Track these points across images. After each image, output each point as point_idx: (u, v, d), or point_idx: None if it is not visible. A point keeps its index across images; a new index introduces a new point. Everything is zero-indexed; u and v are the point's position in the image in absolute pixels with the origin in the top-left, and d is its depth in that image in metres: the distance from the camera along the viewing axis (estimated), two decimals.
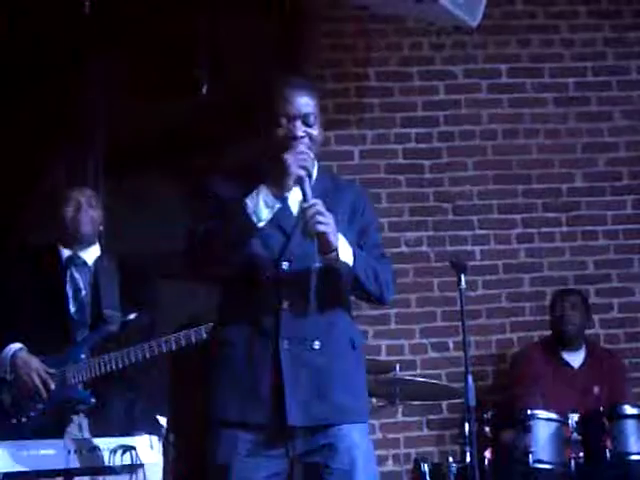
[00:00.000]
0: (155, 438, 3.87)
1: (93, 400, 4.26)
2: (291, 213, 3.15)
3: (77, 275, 4.46)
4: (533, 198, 6.01)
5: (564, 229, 6.01)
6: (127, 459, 3.70)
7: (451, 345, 5.77)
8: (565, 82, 6.13)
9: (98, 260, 4.50)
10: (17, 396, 4.25)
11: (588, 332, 5.71)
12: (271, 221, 3.05)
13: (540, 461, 4.59)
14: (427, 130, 6.00)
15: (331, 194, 3.19)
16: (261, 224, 3.01)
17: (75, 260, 4.47)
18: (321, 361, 3.08)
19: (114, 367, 4.25)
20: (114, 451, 3.69)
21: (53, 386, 4.24)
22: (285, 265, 3.10)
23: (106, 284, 4.42)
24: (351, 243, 3.14)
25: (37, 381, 4.23)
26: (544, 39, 6.14)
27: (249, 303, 3.11)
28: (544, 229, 6.00)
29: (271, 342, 3.07)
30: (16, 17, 5.64)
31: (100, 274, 4.46)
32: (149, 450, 3.77)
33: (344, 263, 3.08)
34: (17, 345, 4.28)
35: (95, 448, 3.69)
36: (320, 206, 3.02)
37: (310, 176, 3.06)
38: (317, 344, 3.09)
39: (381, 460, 5.60)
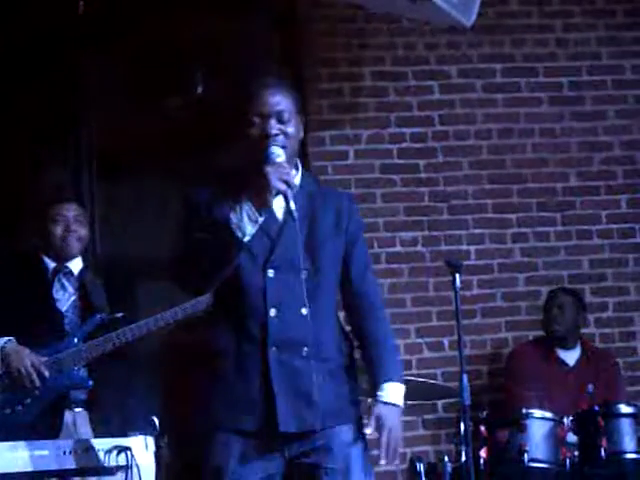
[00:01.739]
0: (150, 439, 3.86)
1: (91, 382, 4.29)
2: (276, 219, 3.14)
3: (66, 282, 4.52)
4: (528, 197, 6.02)
5: (559, 228, 6.02)
6: (122, 460, 3.70)
7: (446, 345, 5.77)
8: (559, 81, 6.14)
9: (83, 270, 4.57)
10: (10, 386, 4.25)
11: (583, 331, 5.72)
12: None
13: (535, 460, 4.60)
14: (422, 130, 6.00)
15: (317, 199, 3.21)
16: (246, 239, 2.98)
17: (62, 269, 4.53)
18: (309, 367, 3.09)
19: (109, 348, 4.27)
20: (109, 452, 3.69)
21: (47, 373, 4.25)
22: (271, 273, 3.11)
23: (94, 290, 4.48)
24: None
25: (30, 368, 4.23)
26: (538, 39, 6.15)
27: (237, 311, 3.12)
28: (539, 228, 6.00)
29: (260, 350, 3.09)
30: (9, 18, 5.63)
31: (87, 282, 4.53)
32: (144, 451, 3.77)
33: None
34: (5, 338, 4.30)
35: (90, 449, 3.69)
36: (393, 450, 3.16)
37: (292, 188, 3.02)
38: (305, 350, 3.10)
39: (377, 459, 5.59)
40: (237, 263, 3.05)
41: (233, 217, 2.96)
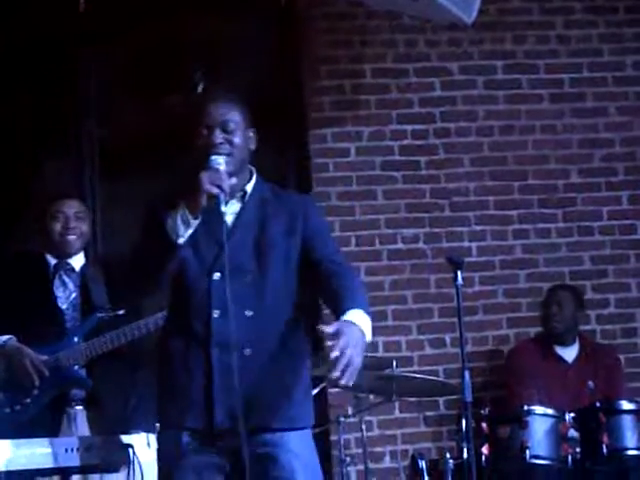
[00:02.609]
0: (152, 436, 3.86)
1: (90, 382, 4.28)
2: (225, 224, 3.19)
3: (66, 279, 4.50)
4: (529, 194, 6.02)
5: (560, 225, 6.02)
6: (124, 457, 3.70)
7: (448, 341, 5.78)
8: (561, 78, 6.14)
9: (84, 266, 4.55)
10: (10, 385, 4.25)
11: (585, 328, 5.73)
12: (205, 232, 3.17)
13: (537, 457, 4.59)
14: (423, 127, 6.00)
15: (271, 204, 3.29)
16: (180, 240, 3.12)
17: (64, 266, 4.52)
18: (253, 368, 3.14)
19: (109, 347, 4.28)
20: (111, 449, 3.69)
21: (47, 372, 4.25)
22: (216, 276, 3.19)
23: (95, 287, 4.47)
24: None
25: (30, 368, 4.23)
26: (540, 35, 6.15)
27: (185, 312, 3.23)
28: (540, 225, 6.01)
29: (204, 350, 3.18)
30: (10, 15, 5.63)
31: (88, 278, 4.51)
32: (146, 448, 3.76)
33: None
34: (6, 336, 4.30)
35: (92, 446, 3.69)
36: (347, 358, 2.90)
37: (224, 193, 3.12)
38: (248, 351, 3.15)
39: (379, 457, 5.62)
40: (180, 264, 3.18)
41: (169, 220, 3.11)
